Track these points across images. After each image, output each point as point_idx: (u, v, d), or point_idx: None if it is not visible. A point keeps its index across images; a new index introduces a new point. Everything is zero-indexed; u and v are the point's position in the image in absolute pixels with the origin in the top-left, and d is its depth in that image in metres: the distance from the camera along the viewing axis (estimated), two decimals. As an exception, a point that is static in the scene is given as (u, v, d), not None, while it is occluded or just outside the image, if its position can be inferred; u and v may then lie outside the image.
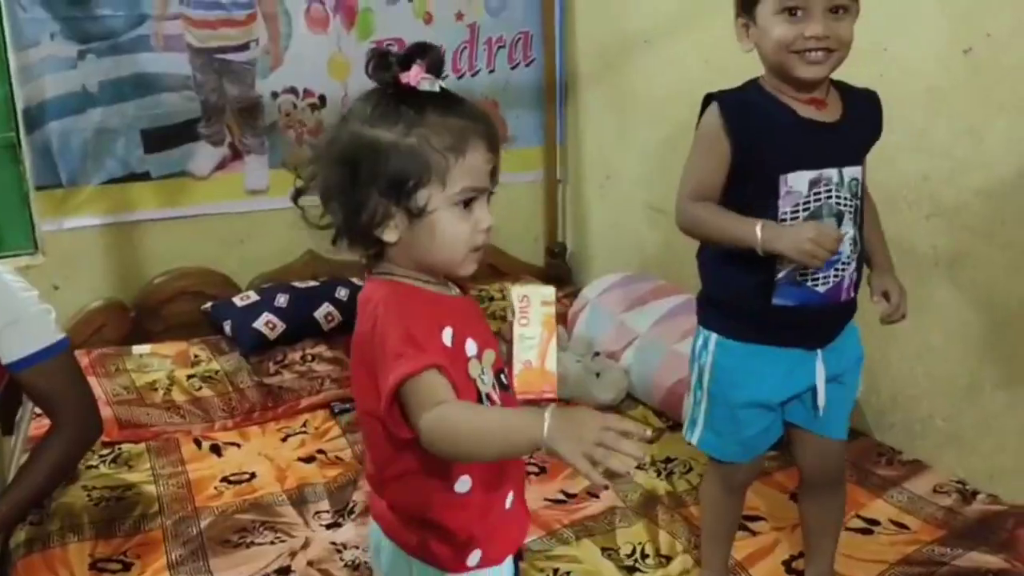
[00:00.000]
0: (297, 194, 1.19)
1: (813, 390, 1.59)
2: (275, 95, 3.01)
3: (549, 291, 1.26)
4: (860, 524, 1.96)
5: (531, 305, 1.25)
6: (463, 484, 1.19)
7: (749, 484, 1.77)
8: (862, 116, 1.55)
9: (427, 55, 1.13)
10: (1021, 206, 1.93)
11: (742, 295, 1.55)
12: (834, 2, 1.42)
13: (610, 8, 3.09)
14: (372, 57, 1.14)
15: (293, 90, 3.03)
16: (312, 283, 2.98)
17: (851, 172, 1.52)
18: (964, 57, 1.97)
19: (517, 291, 1.27)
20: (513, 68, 3.32)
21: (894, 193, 2.12)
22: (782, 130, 1.49)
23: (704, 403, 1.65)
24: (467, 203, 1.13)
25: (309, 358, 2.76)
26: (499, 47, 3.29)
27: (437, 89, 1.13)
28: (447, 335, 1.13)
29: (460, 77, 3.21)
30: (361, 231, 1.14)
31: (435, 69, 1.14)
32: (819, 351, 1.58)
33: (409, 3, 3.11)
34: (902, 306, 1.58)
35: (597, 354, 2.59)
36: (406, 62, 1.12)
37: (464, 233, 1.14)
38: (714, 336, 1.62)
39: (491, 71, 3.29)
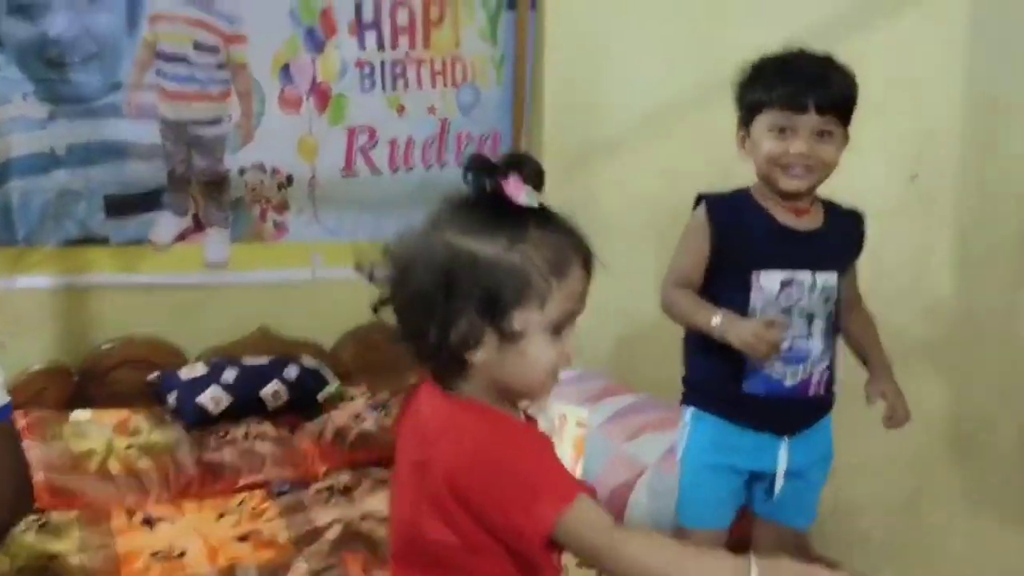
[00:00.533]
0: (379, 304, 1.11)
1: (773, 477, 1.71)
2: (243, 171, 3.04)
3: (583, 414, 1.27)
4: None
5: (567, 424, 1.24)
6: None
7: None
8: (842, 230, 1.73)
9: (525, 166, 1.08)
10: (964, 328, 1.99)
11: (716, 380, 1.71)
12: (820, 127, 1.60)
13: (577, 116, 3.18)
14: (472, 163, 1.09)
15: (261, 167, 3.06)
16: (262, 360, 2.95)
17: (825, 277, 1.67)
18: (911, 183, 2.06)
19: (557, 408, 1.24)
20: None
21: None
22: (758, 232, 1.67)
23: (682, 472, 1.80)
24: (558, 327, 1.07)
25: (252, 436, 2.71)
26: (468, 143, 3.36)
27: (536, 204, 1.08)
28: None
29: (428, 168, 3.27)
30: (450, 350, 1.05)
31: (535, 181, 1.09)
32: (786, 439, 1.69)
33: (383, 93, 3.18)
34: (899, 408, 1.71)
35: (544, 450, 2.57)
36: (505, 171, 1.07)
37: (553, 359, 1.08)
38: (691, 409, 1.79)
39: (459, 165, 3.35)
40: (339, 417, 2.79)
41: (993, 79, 1.92)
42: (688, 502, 1.79)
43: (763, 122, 1.65)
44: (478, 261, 1.04)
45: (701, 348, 1.71)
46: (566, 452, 1.23)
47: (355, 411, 2.80)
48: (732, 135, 2.49)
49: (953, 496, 2.05)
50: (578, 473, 1.18)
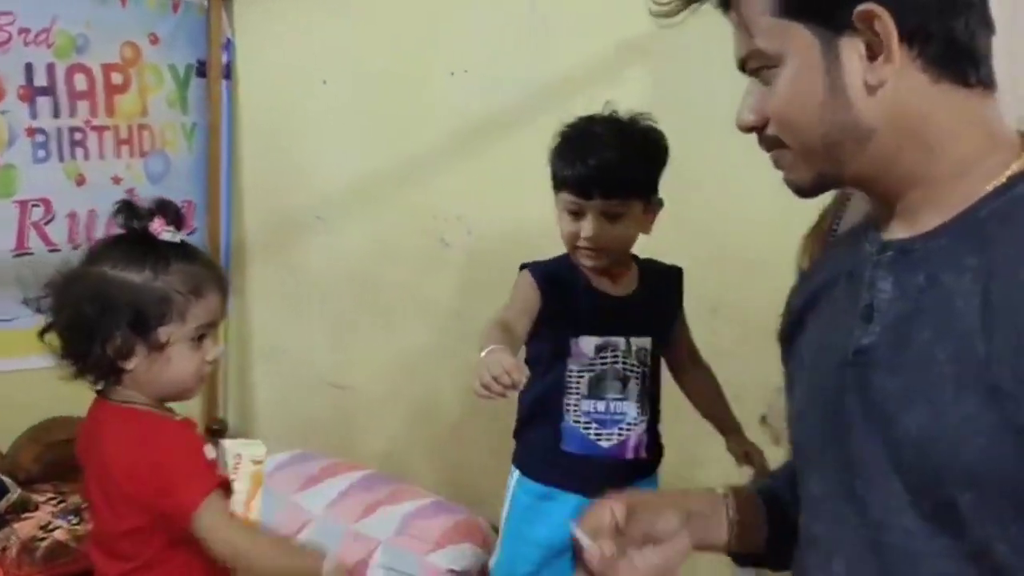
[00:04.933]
0: (44, 330, 1.36)
1: None
2: None
3: (261, 450, 1.43)
4: None
5: (243, 462, 1.40)
6: None
7: None
8: (655, 292, 1.78)
9: (168, 210, 1.37)
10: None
11: (539, 438, 1.77)
12: (608, 209, 1.64)
13: (280, 182, 3.08)
14: (122, 208, 1.37)
15: (-90, 250, 2.66)
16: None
17: (639, 342, 1.73)
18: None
19: (231, 449, 1.42)
20: (174, 237, 3.18)
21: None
22: (575, 298, 1.71)
23: (502, 532, 1.86)
24: (199, 337, 1.37)
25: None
26: (159, 214, 3.14)
27: (178, 240, 1.37)
28: (209, 451, 1.38)
29: (114, 243, 3.01)
30: (106, 362, 1.32)
31: (176, 222, 1.37)
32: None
33: (60, 163, 2.89)
34: (756, 462, 1.75)
35: (268, 540, 2.42)
36: (150, 215, 1.35)
37: (196, 363, 1.37)
38: (517, 473, 1.82)
39: (150, 239, 3.12)
40: (24, 529, 2.45)
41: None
42: (506, 566, 1.84)
43: (560, 201, 1.69)
44: (128, 288, 1.32)
45: (531, 405, 1.77)
46: (244, 487, 1.41)
47: (42, 520, 2.48)
48: (441, 206, 2.56)
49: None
50: (256, 504, 1.44)
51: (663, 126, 1.81)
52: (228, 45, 3.17)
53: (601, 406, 1.71)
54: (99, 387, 1.39)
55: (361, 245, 2.79)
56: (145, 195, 3.06)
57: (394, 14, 2.66)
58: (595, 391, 1.72)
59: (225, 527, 1.32)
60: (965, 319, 0.80)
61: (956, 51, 0.83)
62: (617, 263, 1.74)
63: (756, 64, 0.89)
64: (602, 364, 1.71)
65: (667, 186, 2.04)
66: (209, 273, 1.39)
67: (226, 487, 1.37)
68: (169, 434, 1.36)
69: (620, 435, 1.73)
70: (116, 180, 3.02)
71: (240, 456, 1.41)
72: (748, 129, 0.93)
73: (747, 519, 1.07)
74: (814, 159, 0.88)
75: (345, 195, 2.86)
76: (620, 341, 1.72)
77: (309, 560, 1.38)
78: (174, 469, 1.32)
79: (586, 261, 1.70)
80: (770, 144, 0.92)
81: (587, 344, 1.71)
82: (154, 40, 3.05)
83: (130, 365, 1.33)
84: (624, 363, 1.72)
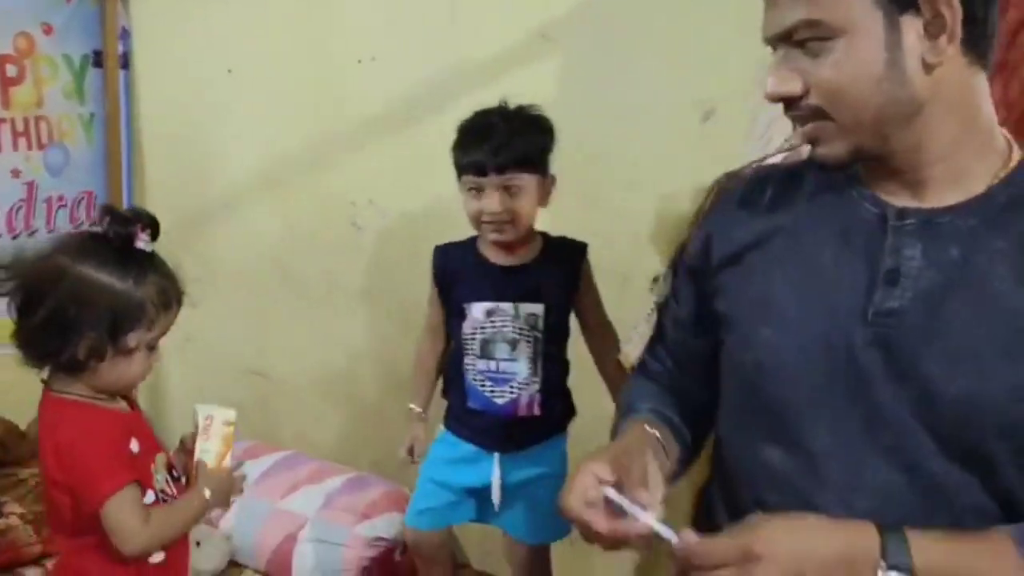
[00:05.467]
0: (18, 326, 1.37)
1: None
2: None
3: (231, 413, 1.52)
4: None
5: (214, 423, 1.49)
6: (157, 556, 1.47)
7: (439, 561, 2.06)
8: (553, 263, 1.91)
9: (147, 219, 1.42)
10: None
11: (454, 397, 1.96)
12: (504, 183, 1.78)
13: (186, 171, 3.08)
14: (106, 214, 1.40)
15: None
16: None
17: (529, 308, 1.86)
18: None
19: (203, 409, 1.51)
20: (77, 228, 3.14)
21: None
22: (468, 269, 1.91)
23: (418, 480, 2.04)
24: (154, 345, 1.43)
25: None
26: (60, 207, 3.10)
27: (150, 250, 1.42)
28: (135, 444, 1.42)
29: (15, 237, 2.96)
30: (74, 360, 1.36)
31: (152, 232, 1.42)
32: (497, 454, 1.90)
33: (-45, 157, 2.83)
34: None
35: (194, 522, 2.45)
36: (134, 222, 1.39)
37: (147, 367, 1.44)
38: (441, 427, 2.00)
39: (51, 231, 3.07)
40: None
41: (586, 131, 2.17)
42: (412, 505, 2.02)
43: (463, 185, 1.83)
44: (112, 294, 1.36)
45: (451, 375, 1.97)
46: (215, 447, 1.52)
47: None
48: (353, 191, 2.61)
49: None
50: (226, 464, 1.54)
51: (573, 111, 1.93)
52: (125, 34, 3.14)
53: (493, 366, 1.87)
54: (45, 376, 1.43)
55: (273, 233, 2.81)
56: (46, 188, 3.05)
57: (300, 1, 2.68)
58: (486, 352, 1.87)
59: (128, 529, 1.37)
60: (1010, 298, 0.87)
61: (986, 35, 0.90)
62: (520, 238, 1.86)
63: (807, 34, 0.89)
64: (492, 327, 1.86)
65: (577, 166, 2.17)
66: (175, 287, 1.45)
67: (143, 480, 1.42)
68: (98, 422, 1.41)
69: (511, 393, 1.87)
70: (15, 173, 2.98)
71: (212, 417, 1.50)
72: (782, 99, 0.92)
73: (669, 447, 1.10)
74: (859, 132, 0.90)
75: (254, 183, 2.87)
76: (508, 307, 1.86)
77: (195, 503, 1.47)
78: (92, 457, 1.37)
79: (493, 235, 1.83)
80: (809, 115, 0.92)
81: (478, 309, 1.87)
82: (48, 30, 3.01)
83: (95, 364, 1.38)
84: (513, 327, 1.86)
